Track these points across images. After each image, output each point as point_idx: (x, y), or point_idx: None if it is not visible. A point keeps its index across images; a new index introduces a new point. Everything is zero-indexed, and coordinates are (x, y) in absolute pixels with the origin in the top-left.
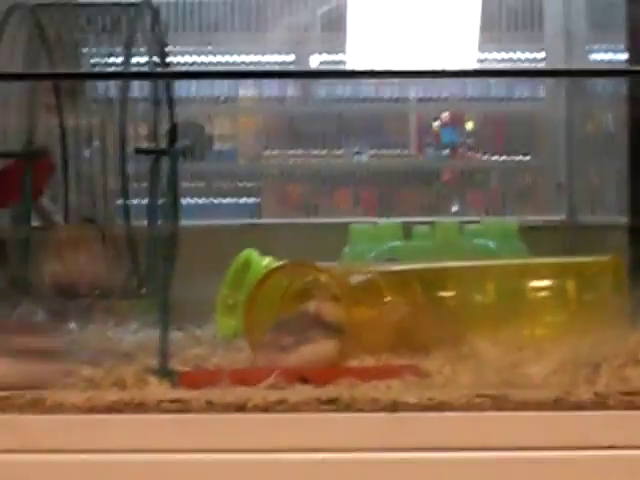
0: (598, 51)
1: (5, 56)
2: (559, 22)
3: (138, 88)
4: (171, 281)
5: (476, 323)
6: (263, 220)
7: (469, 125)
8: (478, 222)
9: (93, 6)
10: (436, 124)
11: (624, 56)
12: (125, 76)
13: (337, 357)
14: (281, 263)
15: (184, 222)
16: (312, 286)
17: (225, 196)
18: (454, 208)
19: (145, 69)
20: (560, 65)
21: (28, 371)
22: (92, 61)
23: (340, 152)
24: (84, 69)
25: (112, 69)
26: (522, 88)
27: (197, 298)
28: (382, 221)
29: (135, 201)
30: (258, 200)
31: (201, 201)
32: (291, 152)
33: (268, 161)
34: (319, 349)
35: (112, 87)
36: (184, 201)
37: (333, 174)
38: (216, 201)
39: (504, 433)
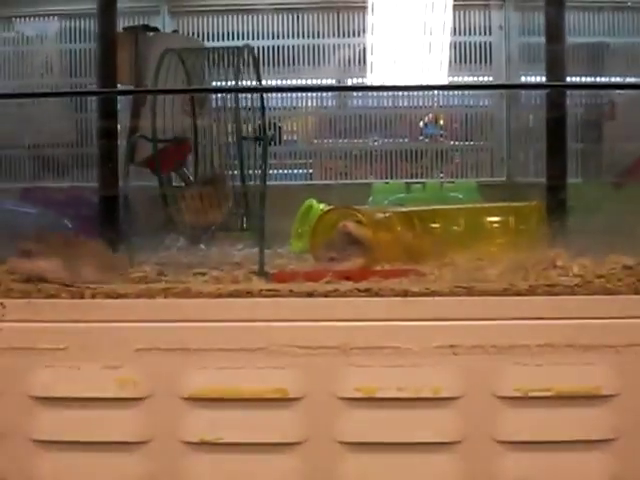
0: (527, 75)
1: (162, 82)
2: (502, 56)
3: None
4: (264, 219)
5: (453, 244)
6: (317, 181)
7: (442, 122)
8: (452, 182)
9: (214, 49)
10: (422, 122)
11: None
12: (235, 90)
13: (367, 264)
14: (331, 207)
15: (270, 183)
16: (352, 220)
17: (292, 168)
18: (438, 174)
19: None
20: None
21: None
22: (213, 84)
23: (364, 140)
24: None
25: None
26: (477, 98)
27: (280, 230)
28: (392, 181)
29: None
30: (312, 171)
31: (278, 171)
32: (332, 140)
33: (317, 146)
34: (355, 262)
35: (226, 100)
36: (270, 171)
37: (360, 154)
38: (288, 171)
39: (472, 310)
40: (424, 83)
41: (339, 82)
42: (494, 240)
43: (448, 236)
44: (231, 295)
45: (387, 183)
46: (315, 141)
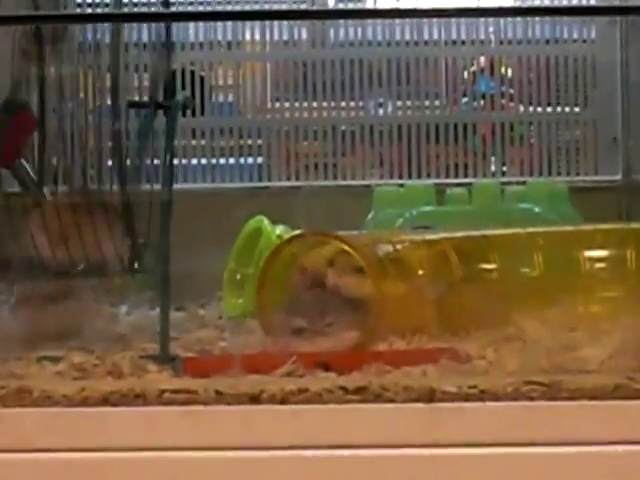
0: None
1: None
2: None
3: (132, 32)
4: (169, 254)
5: (522, 299)
6: (274, 183)
7: (509, 72)
8: (522, 183)
9: None
10: (471, 70)
11: None
12: (116, 18)
13: (363, 341)
14: (296, 232)
15: (182, 186)
16: (332, 258)
17: (229, 156)
18: (493, 167)
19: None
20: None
21: None
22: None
23: (360, 104)
24: (68, 10)
25: (101, 10)
26: (570, 28)
27: (200, 273)
28: (411, 183)
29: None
30: (267, 160)
31: (202, 162)
32: (303, 105)
33: (277, 115)
34: (342, 337)
35: (102, 31)
36: (183, 162)
37: (352, 130)
38: (219, 161)
39: (556, 425)
40: (471, 3)
41: (314, 2)
42: (598, 293)
43: (513, 285)
44: (107, 402)
45: (401, 186)
46: (270, 107)
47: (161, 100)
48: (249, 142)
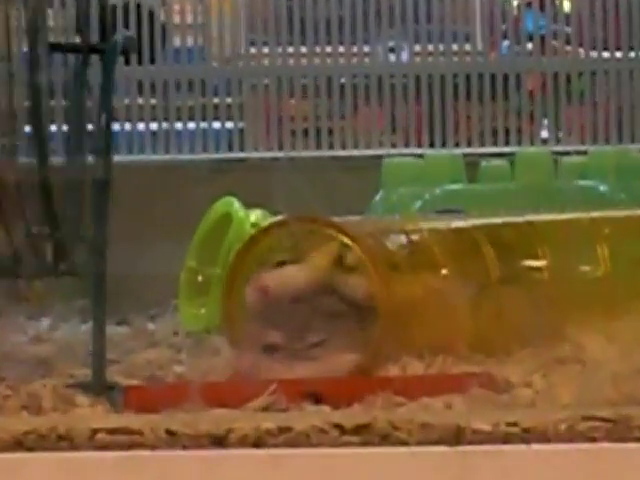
0: None
1: None
2: None
3: None
4: (107, 249)
5: (581, 307)
6: (249, 154)
7: (565, 5)
8: (583, 153)
9: None
10: (515, 3)
11: None
12: None
13: (366, 363)
14: (277, 219)
15: (125, 158)
16: (326, 252)
17: (189, 119)
18: (544, 133)
19: None
20: None
21: None
22: None
23: (365, 49)
24: None
25: None
26: None
27: (149, 275)
28: (433, 153)
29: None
30: (241, 124)
31: (152, 126)
32: (288, 50)
33: (253, 64)
34: (339, 359)
35: None
36: (126, 126)
37: (354, 83)
38: (175, 126)
39: (625, 474)
40: None
41: None
42: None
43: (569, 288)
44: (20, 445)
45: (420, 157)
46: (244, 53)
47: (95, 42)
48: (216, 100)
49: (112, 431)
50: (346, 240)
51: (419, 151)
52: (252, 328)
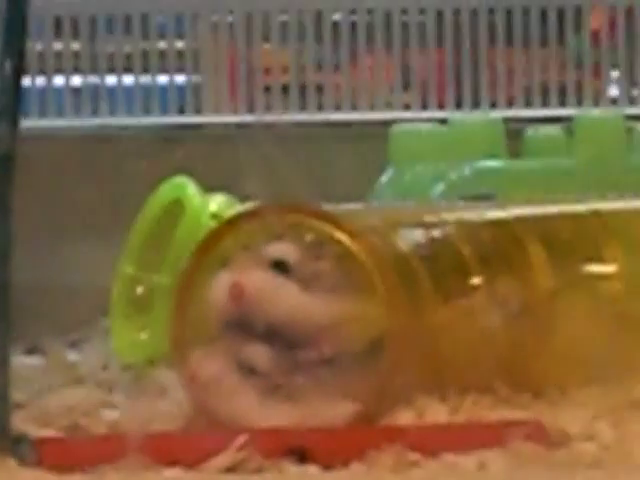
0: None
1: None
2: None
3: None
4: (10, 250)
5: None
6: (207, 118)
7: None
8: None
9: None
10: None
11: None
12: None
13: (368, 409)
14: (248, 207)
15: (37, 123)
16: (312, 252)
17: (127, 70)
18: (613, 89)
19: None
20: None
21: None
22: None
23: None
24: None
25: None
26: None
27: (69, 285)
28: (461, 117)
29: None
30: (196, 78)
31: (74, 81)
32: None
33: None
34: (333, 404)
35: None
36: (39, 80)
37: (352, 21)
38: (108, 80)
39: None
40: None
41: None
42: None
43: None
44: None
45: (442, 123)
46: None
47: None
48: (162, 45)
49: None
50: (339, 236)
51: (441, 115)
52: (221, 362)
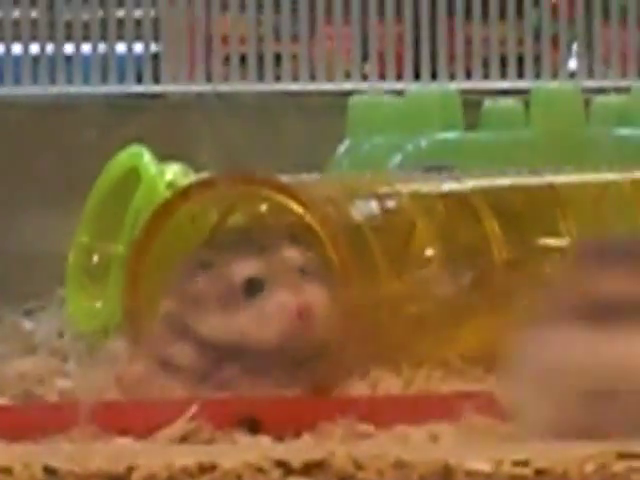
0: None
1: None
2: None
3: None
4: None
5: None
6: (165, 87)
7: None
8: (624, 91)
9: None
10: None
11: None
12: None
13: (321, 377)
14: (203, 176)
15: None
16: (267, 225)
17: (85, 38)
18: (572, 62)
19: None
20: None
21: None
22: None
23: None
24: None
25: None
26: None
27: (24, 254)
28: (418, 88)
29: None
30: (154, 47)
31: (33, 48)
32: None
33: None
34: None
35: None
36: None
37: None
38: (65, 48)
39: None
40: None
41: None
42: None
43: None
44: None
45: (400, 94)
46: None
47: None
48: (120, 13)
49: None
50: (294, 207)
51: (399, 86)
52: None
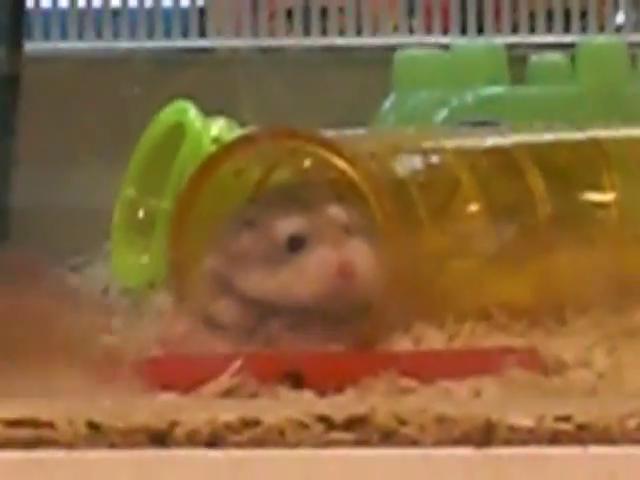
0: None
1: None
2: None
3: None
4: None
5: None
6: (211, 42)
7: None
8: None
9: None
10: None
11: None
12: None
13: (366, 334)
14: (246, 132)
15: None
16: (311, 182)
17: None
18: (619, 16)
19: None
20: None
21: None
22: None
23: None
24: None
25: None
26: None
27: (70, 208)
28: (463, 44)
29: None
30: (200, 2)
31: (80, 2)
32: None
33: None
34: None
35: None
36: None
37: None
38: (112, 2)
39: None
40: None
41: None
42: None
43: None
44: None
45: (445, 48)
46: None
47: None
48: None
49: (12, 423)
50: (340, 162)
51: (445, 40)
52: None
